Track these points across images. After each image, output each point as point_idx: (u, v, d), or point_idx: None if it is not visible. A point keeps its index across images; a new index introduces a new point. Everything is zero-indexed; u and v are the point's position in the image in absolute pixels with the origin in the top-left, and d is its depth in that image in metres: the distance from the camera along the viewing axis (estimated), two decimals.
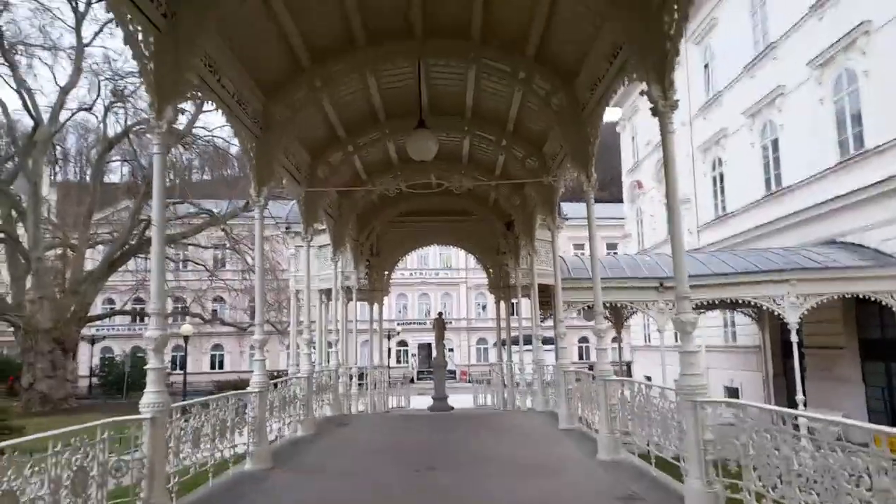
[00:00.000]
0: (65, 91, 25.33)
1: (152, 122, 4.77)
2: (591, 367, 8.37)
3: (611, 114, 31.02)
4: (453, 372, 40.56)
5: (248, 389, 7.21)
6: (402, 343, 49.86)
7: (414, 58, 7.83)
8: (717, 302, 15.69)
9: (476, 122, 10.14)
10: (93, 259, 30.52)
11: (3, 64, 24.39)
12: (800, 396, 12.97)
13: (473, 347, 51.15)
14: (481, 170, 11.95)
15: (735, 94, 20.02)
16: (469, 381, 33.33)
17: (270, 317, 30.56)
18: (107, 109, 27.02)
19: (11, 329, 26.78)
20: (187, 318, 32.35)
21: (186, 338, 26.69)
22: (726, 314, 20.85)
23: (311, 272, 13.60)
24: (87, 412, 20.79)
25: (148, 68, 4.70)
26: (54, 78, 54.87)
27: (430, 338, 33.72)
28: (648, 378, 22.43)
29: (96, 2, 24.89)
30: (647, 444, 5.97)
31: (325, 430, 9.93)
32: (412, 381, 40.35)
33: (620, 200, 35.35)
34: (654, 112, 5.08)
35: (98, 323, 37.10)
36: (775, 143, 18.01)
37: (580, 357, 47.46)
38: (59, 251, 28.84)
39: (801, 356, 13.69)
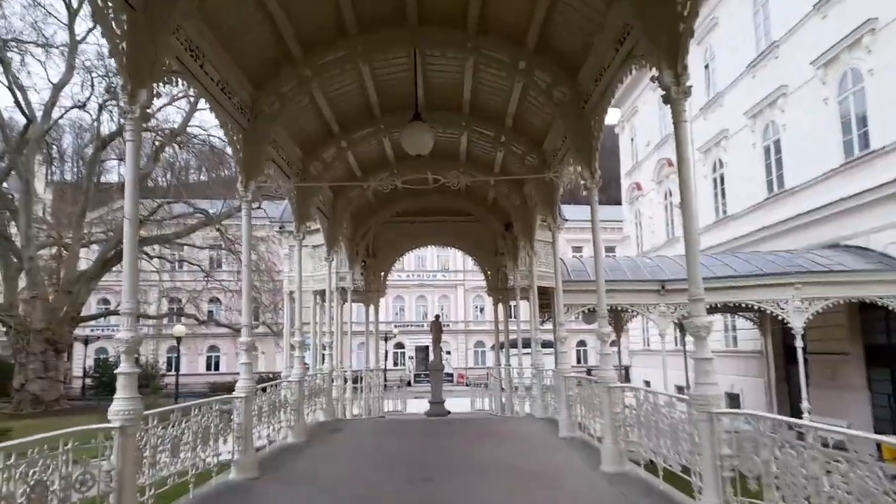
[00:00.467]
0: (58, 88, 24.95)
1: (124, 107, 4.40)
2: (588, 372, 8.02)
3: (610, 115, 30.70)
4: (450, 375, 40.26)
5: (234, 394, 6.87)
6: (399, 345, 49.58)
7: (409, 47, 7.53)
8: (718, 306, 15.33)
9: (474, 117, 9.84)
10: (87, 259, 30.15)
11: None
12: (805, 404, 12.66)
13: (471, 350, 50.88)
14: (479, 167, 11.64)
15: (736, 95, 19.74)
16: (467, 385, 33.07)
17: (266, 318, 30.30)
18: (101, 107, 26.63)
19: (3, 329, 26.38)
20: (182, 319, 32.03)
21: (179, 339, 26.34)
22: (727, 318, 20.54)
23: (306, 273, 13.32)
24: (79, 414, 20.45)
25: (120, 48, 4.35)
26: (47, 75, 55.36)
27: (427, 340, 33.47)
28: (647, 383, 22.12)
29: None
30: (655, 456, 5.61)
31: (317, 437, 9.62)
32: (409, 384, 40.06)
33: (619, 203, 35.07)
34: (666, 100, 4.76)
35: (92, 323, 36.78)
36: (777, 144, 17.72)
37: (578, 361, 47.26)
38: (52, 250, 28.47)
39: (805, 362, 13.38)
